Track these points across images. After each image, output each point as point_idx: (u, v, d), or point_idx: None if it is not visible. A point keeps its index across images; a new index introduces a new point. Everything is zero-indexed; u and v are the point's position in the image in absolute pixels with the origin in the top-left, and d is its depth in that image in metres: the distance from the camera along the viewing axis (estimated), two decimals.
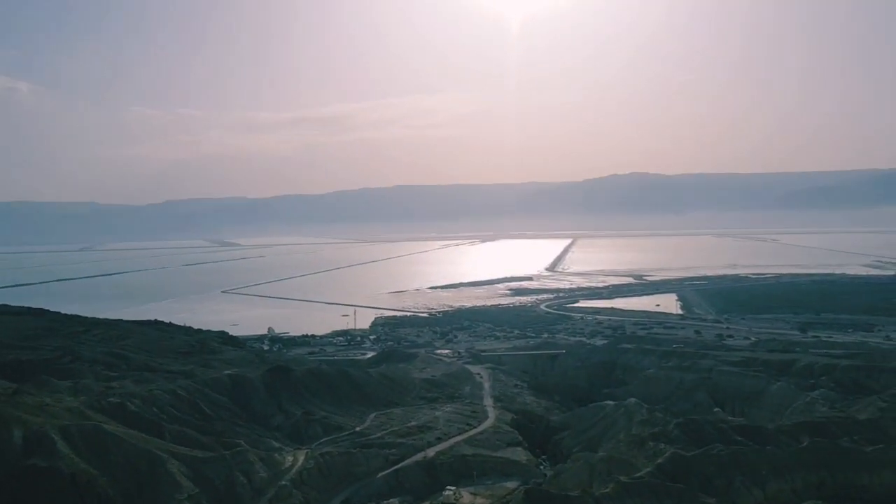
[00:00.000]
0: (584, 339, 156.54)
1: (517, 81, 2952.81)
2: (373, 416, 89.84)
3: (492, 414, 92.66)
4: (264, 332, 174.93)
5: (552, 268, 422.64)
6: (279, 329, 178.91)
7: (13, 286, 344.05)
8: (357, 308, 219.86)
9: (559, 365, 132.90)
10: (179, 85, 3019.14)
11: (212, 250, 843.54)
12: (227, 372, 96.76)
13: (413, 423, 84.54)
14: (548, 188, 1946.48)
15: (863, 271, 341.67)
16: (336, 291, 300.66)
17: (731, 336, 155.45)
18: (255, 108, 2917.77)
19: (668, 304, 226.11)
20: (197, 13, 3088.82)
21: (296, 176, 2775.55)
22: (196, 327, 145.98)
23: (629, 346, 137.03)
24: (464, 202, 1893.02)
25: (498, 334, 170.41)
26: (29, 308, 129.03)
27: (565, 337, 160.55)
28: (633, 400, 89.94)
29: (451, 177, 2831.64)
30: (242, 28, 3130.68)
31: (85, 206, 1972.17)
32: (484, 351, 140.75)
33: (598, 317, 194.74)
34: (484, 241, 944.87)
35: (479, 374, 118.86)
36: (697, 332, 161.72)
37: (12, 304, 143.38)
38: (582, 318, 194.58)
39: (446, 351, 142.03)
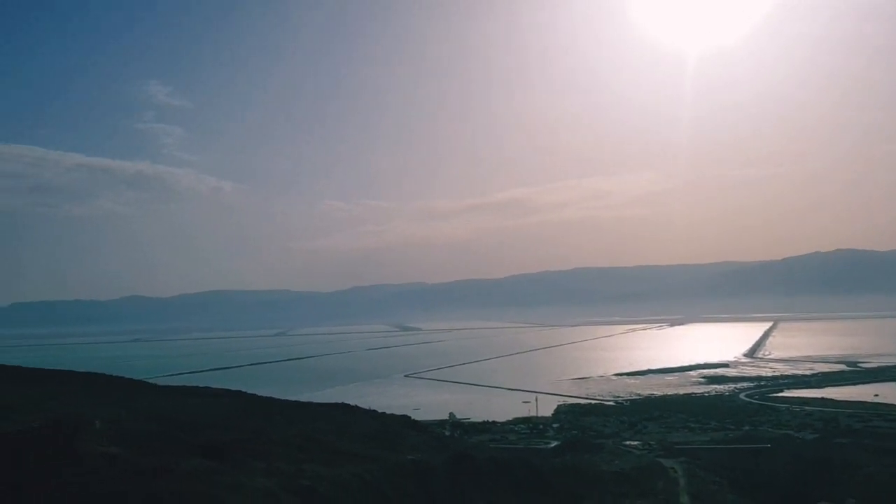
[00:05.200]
0: (791, 432, 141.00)
1: (699, 157, 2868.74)
2: None
3: None
4: (445, 417, 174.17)
5: (751, 354, 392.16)
6: (460, 414, 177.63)
7: (214, 369, 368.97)
8: (539, 395, 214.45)
9: (764, 461, 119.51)
10: (365, 178, 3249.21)
11: (394, 334, 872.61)
12: (410, 457, 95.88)
13: None
14: (742, 268, 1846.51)
15: None
16: (516, 377, 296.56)
17: None
18: (434, 197, 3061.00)
19: (889, 393, 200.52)
20: (377, 110, 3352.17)
21: (474, 261, 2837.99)
22: (380, 411, 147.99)
23: (844, 440, 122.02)
24: (648, 284, 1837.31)
25: (692, 425, 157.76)
26: (227, 390, 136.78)
27: (769, 430, 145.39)
28: (852, 501, 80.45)
29: (633, 258, 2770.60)
30: (421, 119, 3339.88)
31: (279, 293, 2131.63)
32: (678, 443, 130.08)
33: (806, 407, 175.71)
34: (672, 325, 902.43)
35: (672, 468, 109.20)
36: None
37: (213, 385, 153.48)
38: (788, 408, 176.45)
39: (635, 442, 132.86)
